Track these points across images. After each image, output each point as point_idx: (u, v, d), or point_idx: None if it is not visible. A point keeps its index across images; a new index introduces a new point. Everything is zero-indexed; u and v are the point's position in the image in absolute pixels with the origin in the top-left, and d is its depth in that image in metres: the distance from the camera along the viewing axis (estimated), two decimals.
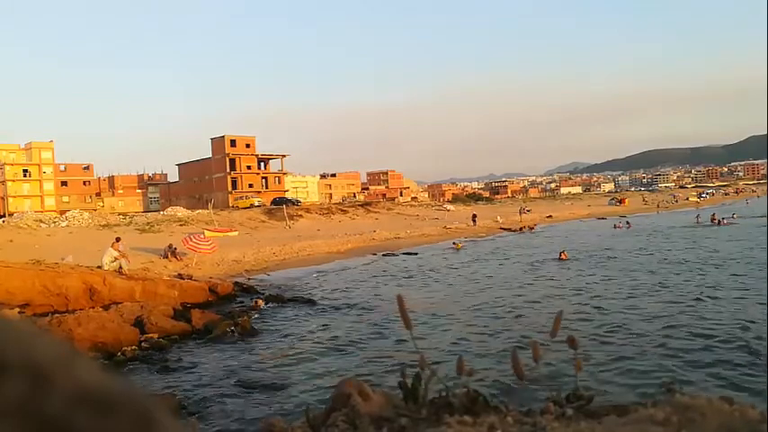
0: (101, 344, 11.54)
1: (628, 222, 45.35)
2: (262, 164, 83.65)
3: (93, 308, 13.70)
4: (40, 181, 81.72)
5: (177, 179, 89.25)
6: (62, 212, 49.56)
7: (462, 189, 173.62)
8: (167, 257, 26.45)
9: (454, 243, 34.71)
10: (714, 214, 43.81)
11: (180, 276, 18.89)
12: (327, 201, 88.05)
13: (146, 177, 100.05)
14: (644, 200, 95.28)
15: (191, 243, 26.10)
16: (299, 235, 39.42)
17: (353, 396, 1.33)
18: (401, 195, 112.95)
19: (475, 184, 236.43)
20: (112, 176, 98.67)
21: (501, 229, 48.25)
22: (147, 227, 38.80)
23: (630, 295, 16.03)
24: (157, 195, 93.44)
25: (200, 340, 12.76)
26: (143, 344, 12.15)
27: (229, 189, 76.13)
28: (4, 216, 50.00)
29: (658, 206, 78.52)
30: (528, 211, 63.70)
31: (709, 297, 14.96)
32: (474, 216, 52.20)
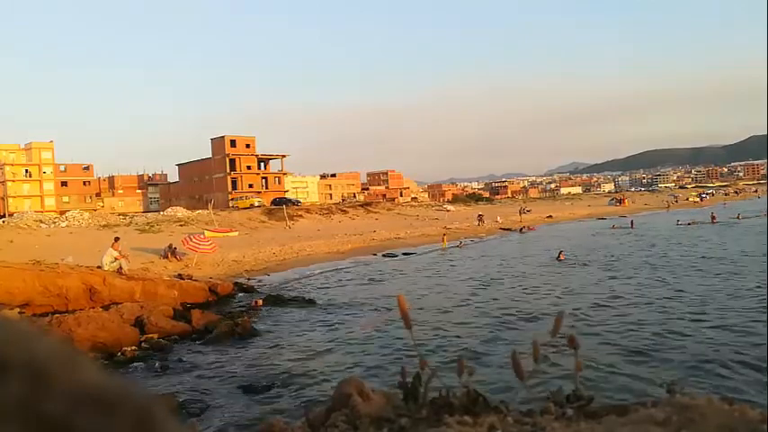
0: (101, 344, 11.55)
1: (631, 223, 46.12)
2: (262, 164, 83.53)
3: (93, 308, 13.70)
4: (40, 181, 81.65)
5: (177, 179, 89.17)
6: (62, 213, 49.55)
7: (462, 189, 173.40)
8: (167, 257, 26.44)
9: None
10: (713, 213, 45.77)
11: (180, 276, 18.87)
12: (327, 201, 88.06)
13: (146, 177, 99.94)
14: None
15: (191, 243, 26.10)
16: (299, 235, 39.40)
17: (353, 396, 1.33)
18: (401, 195, 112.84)
19: (475, 184, 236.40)
20: (112, 176, 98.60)
21: (501, 229, 48.36)
22: (146, 227, 38.79)
23: (630, 295, 16.03)
24: (157, 195, 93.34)
25: (200, 340, 12.76)
26: (143, 344, 12.16)
27: (229, 189, 76.06)
28: (4, 216, 50.00)
29: (668, 206, 78.33)
30: (528, 211, 63.71)
31: (707, 294, 14.97)
32: (480, 216, 52.74)
